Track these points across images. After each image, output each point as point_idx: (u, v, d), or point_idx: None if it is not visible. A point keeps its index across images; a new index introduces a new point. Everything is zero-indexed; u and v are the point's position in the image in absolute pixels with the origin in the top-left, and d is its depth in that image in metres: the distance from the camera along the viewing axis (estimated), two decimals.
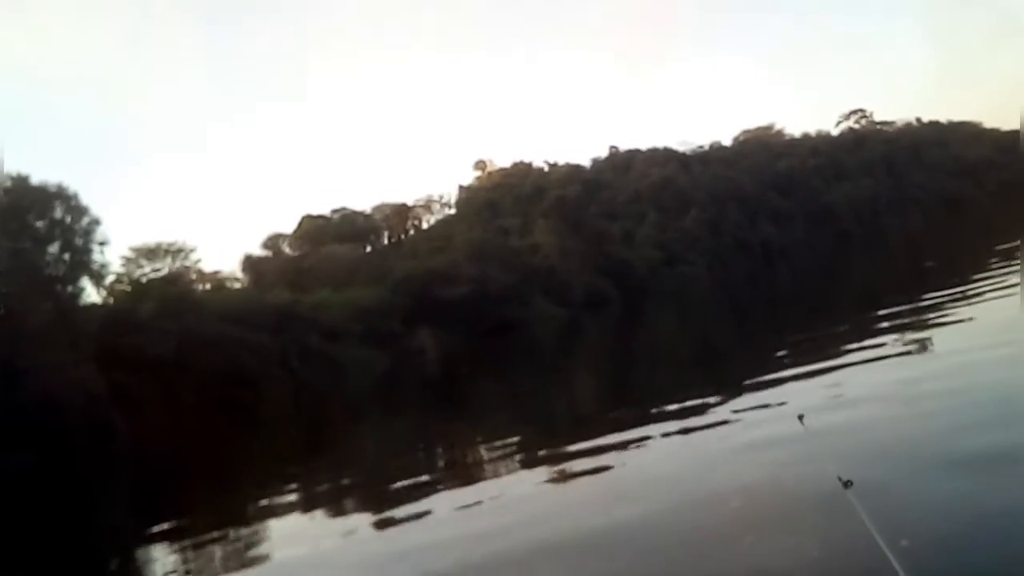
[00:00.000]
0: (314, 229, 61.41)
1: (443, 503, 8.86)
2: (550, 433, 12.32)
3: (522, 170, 71.31)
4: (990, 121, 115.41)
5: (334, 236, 58.83)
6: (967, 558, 4.11)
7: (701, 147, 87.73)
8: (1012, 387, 7.12)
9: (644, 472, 8.20)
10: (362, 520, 9.51)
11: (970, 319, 11.77)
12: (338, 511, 10.44)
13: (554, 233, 56.93)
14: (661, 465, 8.14)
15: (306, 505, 11.31)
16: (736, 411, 9.79)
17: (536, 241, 56.26)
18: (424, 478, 10.93)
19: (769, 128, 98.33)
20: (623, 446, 9.45)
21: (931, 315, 13.16)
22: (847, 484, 2.78)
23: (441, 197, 70.98)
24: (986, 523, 4.52)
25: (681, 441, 9.06)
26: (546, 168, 74.75)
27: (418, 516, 8.59)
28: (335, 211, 65.26)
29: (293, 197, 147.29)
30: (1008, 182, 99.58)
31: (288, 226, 62.70)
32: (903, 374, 9.05)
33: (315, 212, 64.66)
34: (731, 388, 11.11)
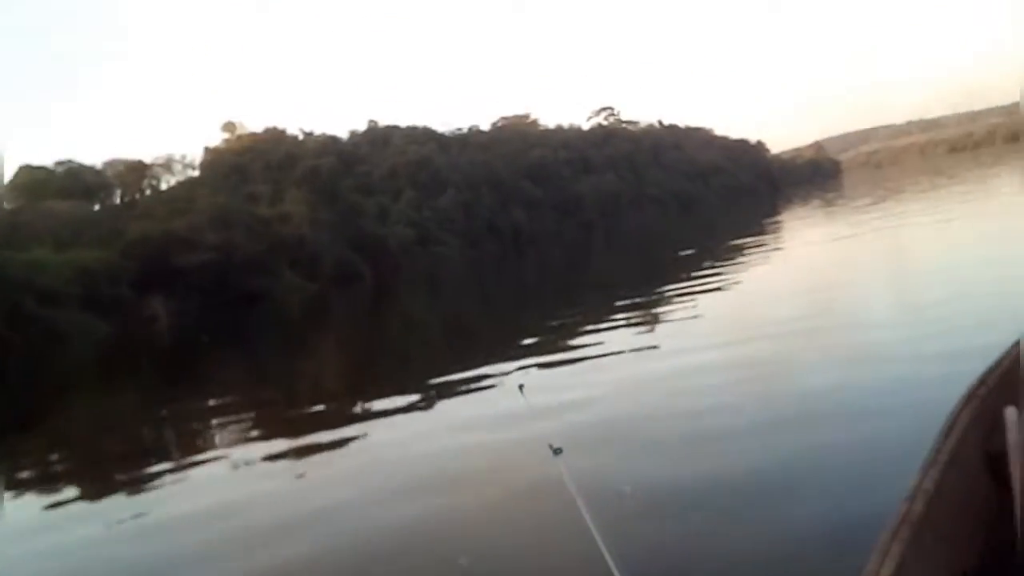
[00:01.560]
0: (33, 182, 55.42)
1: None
2: (284, 408, 12.24)
3: (275, 136, 68.91)
4: (720, 129, 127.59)
5: (57, 191, 53.47)
6: (661, 534, 4.64)
7: (460, 130, 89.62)
8: (720, 376, 8.05)
9: (354, 458, 8.24)
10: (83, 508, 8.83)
11: (697, 315, 13.11)
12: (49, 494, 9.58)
13: (306, 204, 55.74)
14: (385, 450, 8.29)
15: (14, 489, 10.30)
16: (469, 389, 10.32)
17: (286, 211, 54.73)
18: (138, 456, 10.33)
19: (526, 117, 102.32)
20: (350, 428, 9.56)
21: (666, 306, 14.53)
22: (557, 451, 2.89)
23: (184, 157, 66.71)
24: (679, 498, 5.10)
25: (409, 420, 9.41)
26: (301, 136, 72.84)
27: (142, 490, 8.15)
28: (59, 163, 59.28)
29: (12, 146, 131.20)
30: (732, 186, 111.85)
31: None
32: (643, 365, 9.92)
33: (36, 163, 58.30)
34: (470, 366, 11.67)
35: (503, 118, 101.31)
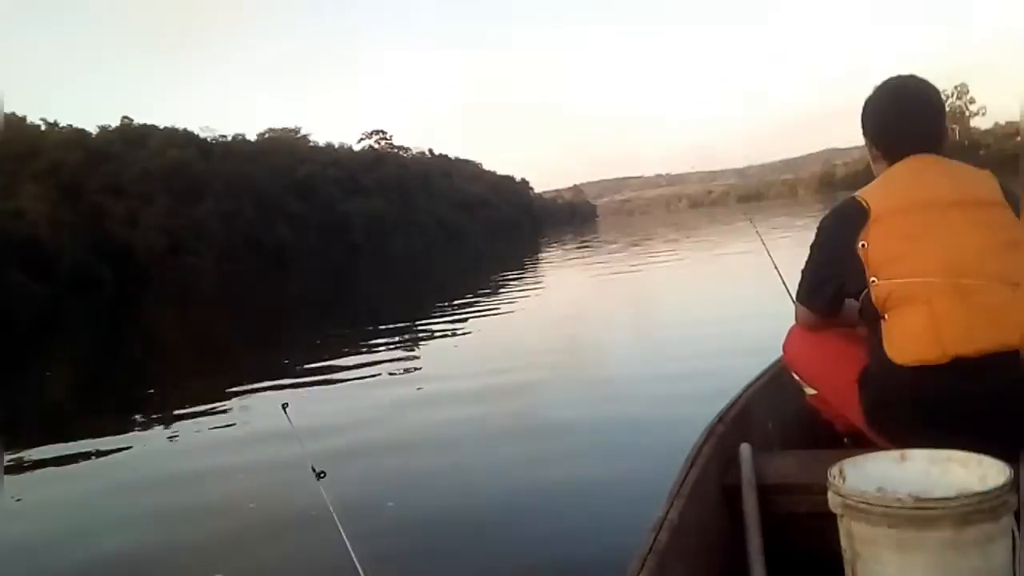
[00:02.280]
0: None
1: None
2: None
3: (13, 124, 62.22)
4: (488, 164, 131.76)
5: None
6: (414, 558, 4.73)
7: (224, 137, 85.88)
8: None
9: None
10: None
11: (460, 344, 13.35)
12: None
13: (44, 201, 50.70)
14: (128, 472, 7.71)
15: None
16: (226, 409, 9.90)
17: (20, 207, 49.45)
18: None
19: (295, 131, 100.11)
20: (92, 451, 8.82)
21: (431, 333, 14.70)
22: (320, 475, 2.79)
23: None
24: (432, 525, 5.21)
25: (156, 440, 8.88)
26: (43, 127, 66.39)
27: None
28: None
29: None
30: (497, 220, 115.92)
31: None
32: (405, 390, 9.97)
33: None
34: (225, 386, 11.18)
35: (271, 130, 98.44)
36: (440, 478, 6.21)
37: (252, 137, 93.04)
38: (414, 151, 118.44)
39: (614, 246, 38.79)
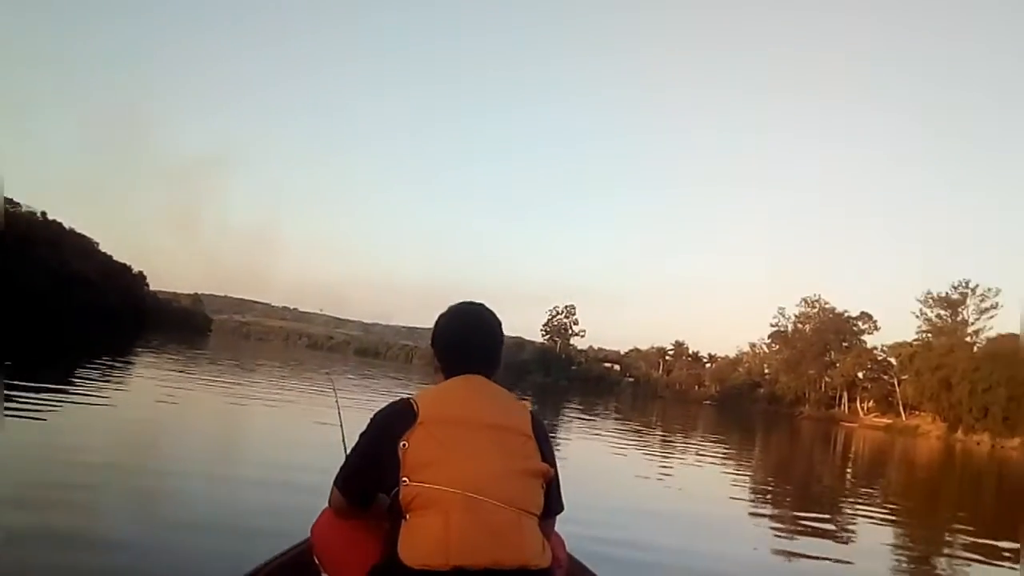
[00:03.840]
0: None
1: None
2: None
3: None
4: (106, 247, 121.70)
5: None
6: None
7: None
8: None
9: None
10: None
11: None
12: None
13: None
14: None
15: None
16: None
17: None
18: None
19: None
20: None
21: None
22: None
23: None
24: None
25: None
26: None
27: None
28: None
29: None
30: (98, 305, 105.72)
31: None
32: None
33: None
34: None
35: None
36: None
37: None
38: (24, 207, 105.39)
39: (225, 364, 36.89)
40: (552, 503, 2.40)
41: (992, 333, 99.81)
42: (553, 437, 19.99)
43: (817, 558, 8.17)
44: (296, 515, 3.37)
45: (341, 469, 2.45)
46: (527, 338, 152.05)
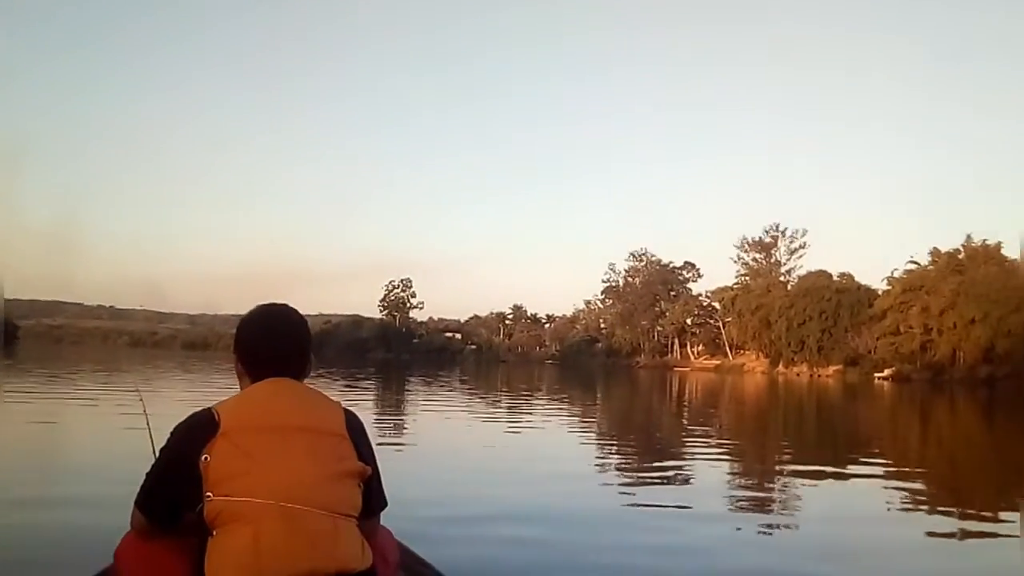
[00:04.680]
0: None
1: None
2: None
3: None
4: None
5: None
6: None
7: None
8: None
9: None
10: None
11: None
12: None
13: None
14: None
15: None
16: None
17: None
18: None
19: None
20: None
21: None
22: None
23: None
24: None
25: None
26: None
27: None
28: None
29: None
30: None
31: None
32: None
33: None
34: None
35: None
36: None
37: None
38: None
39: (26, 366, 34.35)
40: (373, 501, 2.36)
41: (803, 271, 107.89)
42: (399, 415, 19.94)
43: (659, 506, 8.53)
44: (100, 539, 3.08)
45: (141, 488, 2.32)
46: (365, 315, 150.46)
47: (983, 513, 8.89)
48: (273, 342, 2.42)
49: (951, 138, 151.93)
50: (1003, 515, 8.81)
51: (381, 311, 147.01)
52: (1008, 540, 7.51)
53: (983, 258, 78.69)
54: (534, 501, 8.37)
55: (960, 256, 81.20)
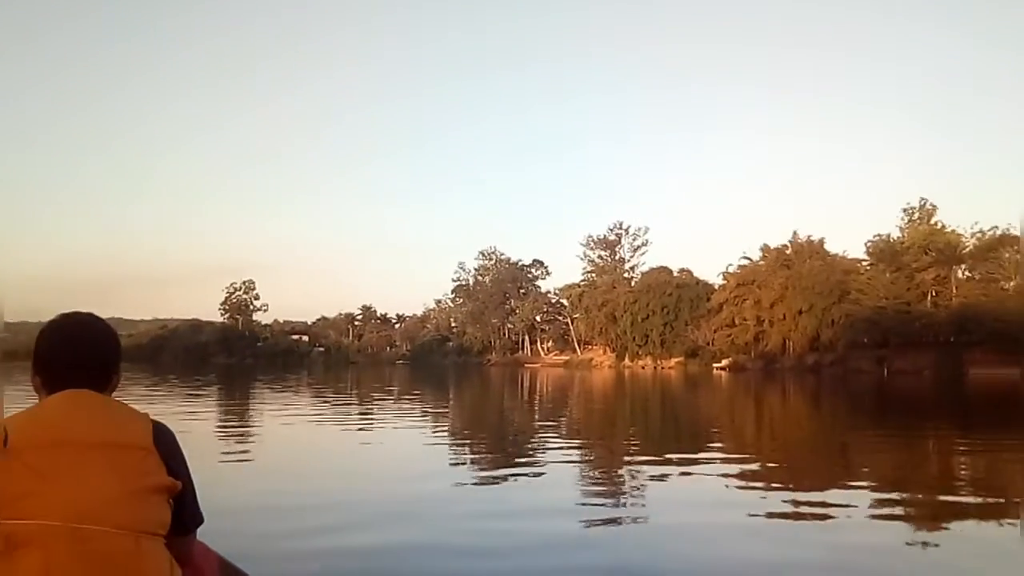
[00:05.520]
0: None
1: None
2: None
3: None
4: None
5: None
6: None
7: None
8: None
9: None
10: None
11: None
12: None
13: None
14: None
15: None
16: None
17: None
18: None
19: None
20: None
21: None
22: None
23: None
24: None
25: None
26: None
27: None
28: None
29: None
30: None
31: None
32: None
33: None
34: None
35: None
36: None
37: None
38: None
39: None
40: (186, 518, 2.26)
41: (645, 268, 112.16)
42: (242, 425, 19.20)
43: (509, 481, 8.64)
44: None
45: None
46: (205, 319, 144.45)
47: (811, 496, 9.54)
48: (71, 352, 2.28)
49: (772, 150, 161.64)
50: (830, 496, 9.49)
51: (222, 314, 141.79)
52: (837, 521, 8.10)
53: (808, 253, 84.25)
54: (380, 508, 8.29)
55: (788, 252, 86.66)
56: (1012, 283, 70.43)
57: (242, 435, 16.37)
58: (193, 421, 18.31)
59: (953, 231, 76.17)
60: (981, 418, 25.06)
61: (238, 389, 38.96)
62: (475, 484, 10.18)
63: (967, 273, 75.54)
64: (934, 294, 73.90)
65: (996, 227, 73.83)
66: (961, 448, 15.88)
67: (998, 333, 62.96)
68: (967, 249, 74.68)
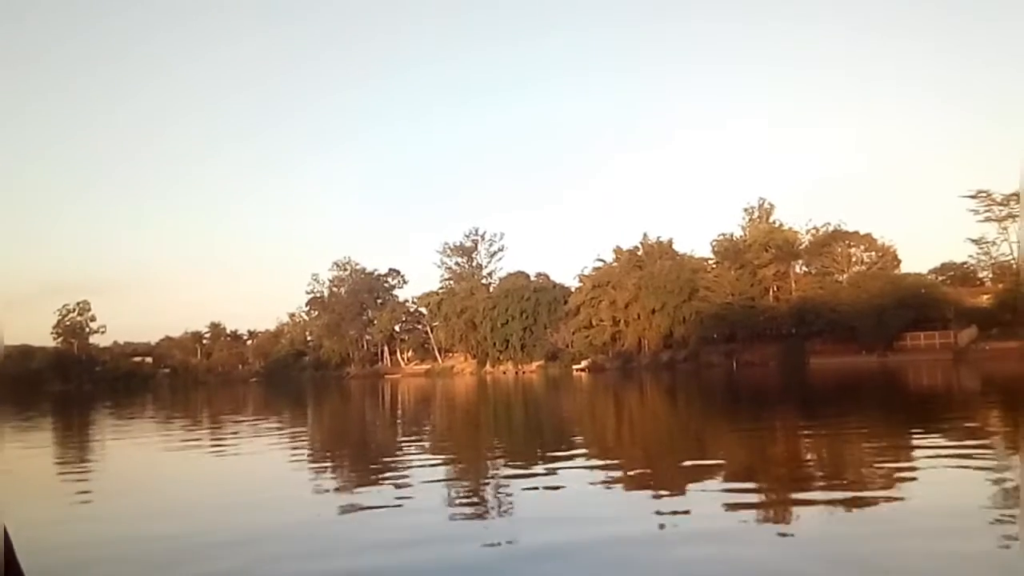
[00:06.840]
0: None
1: None
2: None
3: None
4: None
5: None
6: None
7: None
8: None
9: None
10: None
11: None
12: None
13: None
14: None
15: None
16: None
17: None
18: None
19: None
20: None
21: None
22: None
23: None
24: None
25: None
26: None
27: None
28: None
29: None
30: None
31: None
32: None
33: None
34: None
35: None
36: None
37: None
38: None
39: None
40: None
41: (503, 273, 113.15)
42: (75, 460, 18.07)
43: (378, 507, 8.49)
44: None
45: None
46: (36, 344, 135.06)
47: (672, 491, 9.85)
48: None
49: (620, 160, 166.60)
50: (690, 488, 9.83)
51: (55, 339, 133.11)
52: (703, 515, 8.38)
53: (658, 253, 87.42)
54: (229, 532, 7.99)
55: (639, 253, 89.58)
56: (844, 276, 75.56)
57: (73, 471, 15.39)
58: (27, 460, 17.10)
59: (791, 228, 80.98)
60: (820, 405, 26.68)
61: (76, 418, 36.60)
62: (341, 513, 9.85)
63: (804, 268, 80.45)
64: (776, 289, 78.23)
65: (828, 223, 79.32)
66: (805, 434, 16.87)
67: (834, 323, 67.69)
68: (803, 245, 79.61)
